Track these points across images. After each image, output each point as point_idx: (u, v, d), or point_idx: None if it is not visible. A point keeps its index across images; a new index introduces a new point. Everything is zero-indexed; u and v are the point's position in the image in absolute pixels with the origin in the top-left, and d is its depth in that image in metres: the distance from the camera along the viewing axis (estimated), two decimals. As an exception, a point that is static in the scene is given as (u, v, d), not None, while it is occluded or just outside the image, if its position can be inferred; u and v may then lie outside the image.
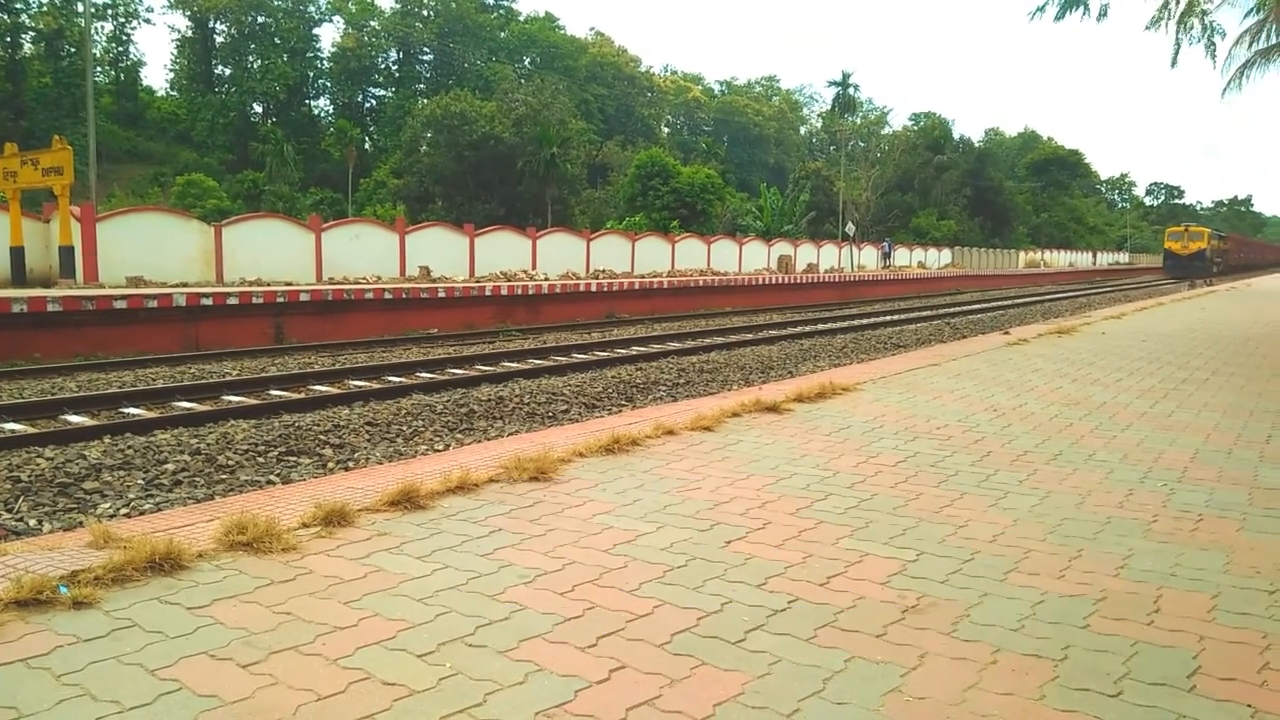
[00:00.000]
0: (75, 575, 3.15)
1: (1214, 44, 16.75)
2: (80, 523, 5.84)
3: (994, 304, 30.89)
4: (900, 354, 13.37)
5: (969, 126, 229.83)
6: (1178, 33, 16.60)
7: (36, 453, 7.62)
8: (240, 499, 4.62)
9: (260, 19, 72.03)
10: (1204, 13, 16.57)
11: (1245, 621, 3.13)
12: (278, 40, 72.33)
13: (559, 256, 29.15)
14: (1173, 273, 58.30)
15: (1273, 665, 2.81)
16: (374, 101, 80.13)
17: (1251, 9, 18.21)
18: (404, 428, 9.00)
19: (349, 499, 4.14)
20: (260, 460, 7.68)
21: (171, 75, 77.99)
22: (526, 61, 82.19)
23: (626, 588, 3.29)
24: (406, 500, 4.17)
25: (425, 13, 79.39)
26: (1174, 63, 17.43)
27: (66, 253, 18.39)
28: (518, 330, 19.80)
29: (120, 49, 72.51)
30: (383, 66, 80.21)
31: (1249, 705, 2.55)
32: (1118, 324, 16.00)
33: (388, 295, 19.29)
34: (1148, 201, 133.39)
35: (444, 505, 4.22)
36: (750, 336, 18.28)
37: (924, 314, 25.35)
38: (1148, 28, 16.95)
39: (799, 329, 20.09)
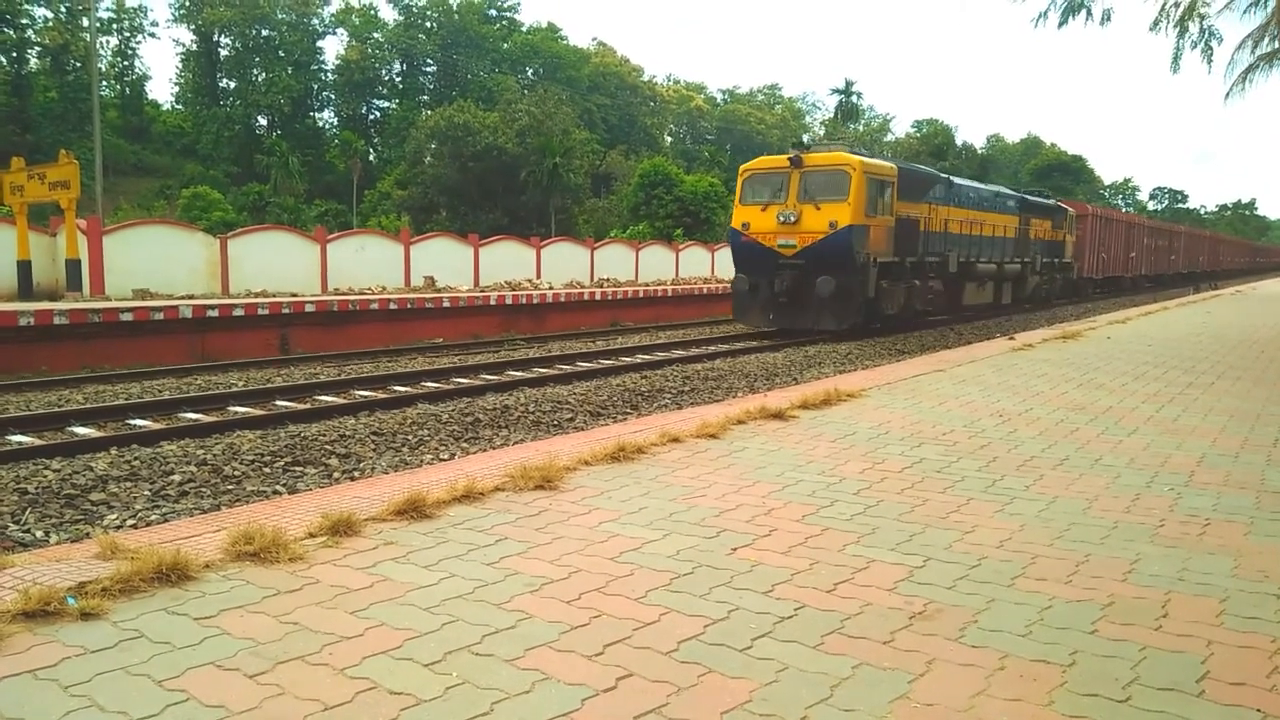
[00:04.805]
0: (83, 586, 3.17)
1: (1211, 48, 16.78)
2: (87, 534, 5.87)
3: (998, 309, 30.71)
4: (905, 360, 13.35)
5: (971, 133, 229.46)
6: (1177, 36, 16.66)
7: (44, 464, 7.64)
8: (247, 509, 4.62)
9: (264, 32, 72.40)
10: (1202, 16, 16.61)
11: (1254, 625, 3.11)
12: (282, 53, 72.66)
13: (563, 266, 29.20)
14: (742, 314, 19.18)
15: (1282, 669, 2.79)
16: (378, 113, 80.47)
17: (1250, 8, 18.24)
18: (409, 437, 9.00)
19: (355, 509, 4.15)
20: (266, 470, 7.69)
21: (177, 89, 78.52)
22: (529, 72, 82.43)
23: (633, 595, 3.29)
24: (412, 509, 4.18)
25: (428, 24, 79.77)
26: (1175, 67, 17.53)
27: (73, 266, 18.47)
28: (522, 339, 19.82)
29: (126, 63, 73.01)
30: (386, 78, 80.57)
31: (1258, 710, 2.54)
32: (1123, 328, 15.97)
33: (393, 305, 19.35)
34: (1151, 206, 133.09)
35: (450, 514, 4.23)
36: (755, 344, 18.26)
37: (928, 320, 25.25)
38: (1150, 30, 17.01)
39: (803, 336, 20.04)
